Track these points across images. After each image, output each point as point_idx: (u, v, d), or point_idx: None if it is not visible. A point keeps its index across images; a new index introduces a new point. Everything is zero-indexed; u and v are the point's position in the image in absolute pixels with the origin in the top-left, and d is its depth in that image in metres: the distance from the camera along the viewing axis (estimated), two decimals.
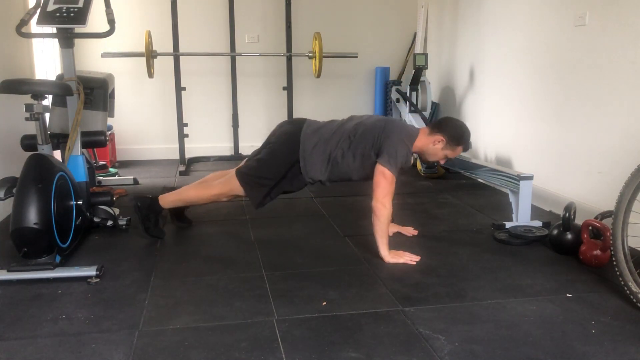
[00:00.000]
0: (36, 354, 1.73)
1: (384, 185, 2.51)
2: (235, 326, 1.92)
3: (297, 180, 2.70)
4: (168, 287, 2.27)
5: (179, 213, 3.01)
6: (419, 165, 4.47)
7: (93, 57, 4.62)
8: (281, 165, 2.67)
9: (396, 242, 2.79)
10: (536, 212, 3.31)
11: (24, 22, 2.83)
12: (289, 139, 2.69)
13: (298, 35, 4.90)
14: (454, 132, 2.62)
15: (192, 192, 2.86)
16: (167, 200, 2.85)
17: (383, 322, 1.96)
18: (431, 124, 2.71)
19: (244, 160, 2.89)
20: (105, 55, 4.27)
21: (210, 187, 2.84)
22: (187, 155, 4.79)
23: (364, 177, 2.67)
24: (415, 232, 2.96)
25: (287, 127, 2.78)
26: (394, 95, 4.77)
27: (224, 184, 2.78)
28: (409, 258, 2.55)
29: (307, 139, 2.66)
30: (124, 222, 3.00)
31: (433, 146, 2.63)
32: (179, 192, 2.88)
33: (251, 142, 5.26)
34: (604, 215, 2.61)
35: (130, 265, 2.49)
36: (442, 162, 2.73)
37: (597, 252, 2.48)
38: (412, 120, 4.46)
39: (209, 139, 5.23)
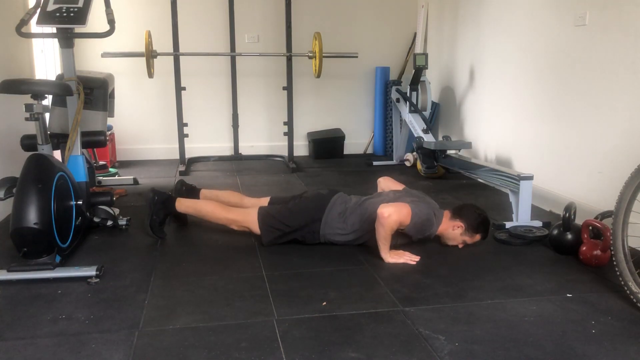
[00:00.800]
0: (36, 354, 1.73)
1: (399, 207, 2.51)
2: (235, 326, 1.92)
3: (310, 236, 2.73)
4: (168, 287, 2.26)
5: (179, 213, 3.01)
6: (418, 165, 4.47)
7: (93, 57, 4.62)
8: (303, 218, 2.71)
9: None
10: (536, 212, 3.31)
11: (24, 22, 2.83)
12: (320, 198, 2.79)
13: (298, 35, 4.90)
14: (473, 221, 2.67)
15: (209, 208, 2.87)
16: (183, 205, 2.88)
17: (383, 322, 1.96)
18: (453, 209, 2.75)
19: (269, 198, 3.00)
20: (105, 55, 4.27)
21: (228, 211, 2.84)
22: (187, 155, 4.80)
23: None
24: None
25: (322, 191, 2.89)
26: (394, 95, 4.77)
27: (243, 214, 2.80)
28: (408, 258, 2.56)
29: (335, 203, 2.75)
30: (124, 222, 3.00)
31: (452, 231, 2.68)
32: (196, 202, 2.92)
33: (251, 142, 5.28)
34: (604, 215, 2.61)
35: (130, 265, 2.49)
36: (460, 247, 2.73)
37: (597, 252, 2.48)
38: (412, 120, 4.46)
39: (209, 139, 5.24)
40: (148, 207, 2.81)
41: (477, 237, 2.71)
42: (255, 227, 2.74)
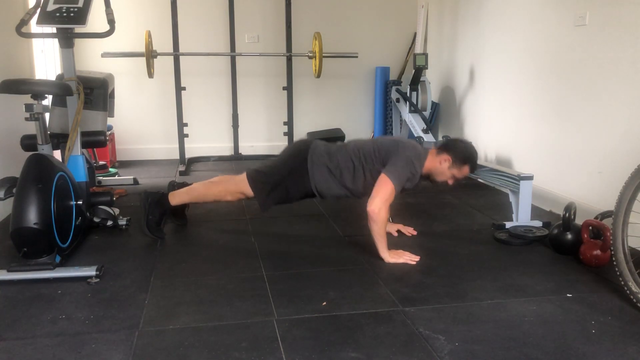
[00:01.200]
0: (36, 354, 1.73)
1: (383, 193, 2.52)
2: (235, 326, 1.92)
3: (301, 181, 2.70)
4: (168, 287, 2.26)
5: (177, 210, 3.01)
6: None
7: (93, 57, 4.62)
8: (289, 163, 2.72)
9: (396, 241, 2.80)
10: (536, 212, 3.31)
11: (24, 22, 2.83)
12: (301, 145, 2.80)
13: (298, 35, 4.90)
14: (460, 151, 2.66)
15: (200, 189, 2.89)
16: (175, 197, 2.88)
17: (383, 322, 1.96)
18: (438, 145, 2.75)
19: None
20: (105, 55, 4.27)
21: (218, 184, 2.87)
22: (187, 155, 4.80)
23: (364, 193, 2.69)
24: (414, 232, 2.96)
25: (299, 141, 2.91)
26: (394, 95, 4.77)
27: (233, 182, 2.82)
28: (408, 258, 2.56)
29: (317, 146, 2.74)
30: (124, 222, 3.00)
31: (440, 165, 2.67)
32: (187, 189, 2.92)
33: (251, 142, 5.27)
34: (604, 215, 2.61)
35: (130, 265, 2.49)
36: (450, 183, 2.72)
37: (597, 252, 2.48)
38: (412, 120, 4.46)
39: (209, 139, 5.24)
40: (142, 209, 2.81)
41: (466, 168, 2.68)
42: (247, 189, 2.74)
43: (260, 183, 2.72)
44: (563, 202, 2.83)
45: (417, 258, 2.56)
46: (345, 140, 2.88)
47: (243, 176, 2.77)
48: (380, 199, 2.51)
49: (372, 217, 2.50)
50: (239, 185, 2.77)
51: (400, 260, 2.54)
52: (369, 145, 2.71)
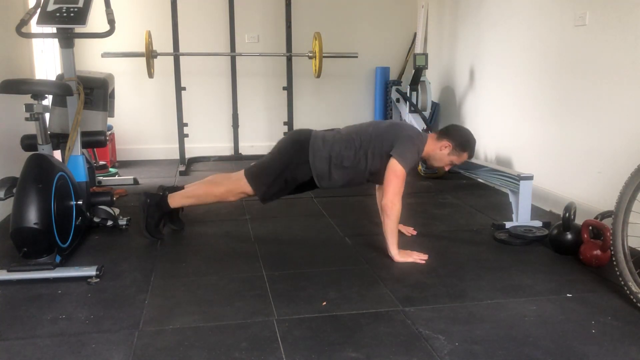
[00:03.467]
0: (36, 354, 1.73)
1: (395, 183, 2.53)
2: (235, 326, 1.92)
3: (301, 171, 2.67)
4: (168, 287, 2.26)
5: (173, 215, 2.98)
6: (419, 166, 4.47)
7: (93, 57, 4.62)
8: (289, 154, 2.69)
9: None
10: (536, 212, 3.31)
11: (24, 22, 2.83)
12: (299, 136, 2.75)
13: (298, 35, 4.90)
14: (461, 138, 2.69)
15: (201, 190, 2.85)
16: (175, 200, 2.85)
17: (383, 322, 1.96)
18: (439, 131, 2.76)
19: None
20: (105, 55, 4.27)
21: (219, 185, 2.83)
22: (187, 155, 4.80)
23: (368, 179, 2.70)
24: (414, 232, 2.96)
25: (296, 131, 2.86)
26: (394, 95, 4.77)
27: (233, 181, 2.79)
28: (417, 257, 2.56)
29: (317, 135, 2.72)
30: (124, 222, 3.00)
31: (440, 151, 2.68)
32: (186, 191, 2.88)
33: (251, 142, 5.27)
34: (604, 215, 2.61)
35: (130, 265, 2.49)
36: (446, 169, 2.77)
37: (597, 252, 2.48)
38: (412, 120, 4.46)
39: (209, 139, 5.24)
40: (142, 211, 2.78)
41: (465, 155, 2.71)
42: (248, 188, 2.72)
43: (258, 177, 2.71)
44: (563, 202, 2.83)
45: (425, 257, 2.57)
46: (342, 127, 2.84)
47: (241, 174, 2.76)
48: (393, 191, 2.52)
49: (386, 211, 2.51)
50: (238, 184, 2.75)
51: (409, 260, 2.54)
52: (367, 130, 2.69)
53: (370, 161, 2.63)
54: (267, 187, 2.70)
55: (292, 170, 2.68)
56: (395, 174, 2.53)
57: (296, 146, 2.70)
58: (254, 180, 2.72)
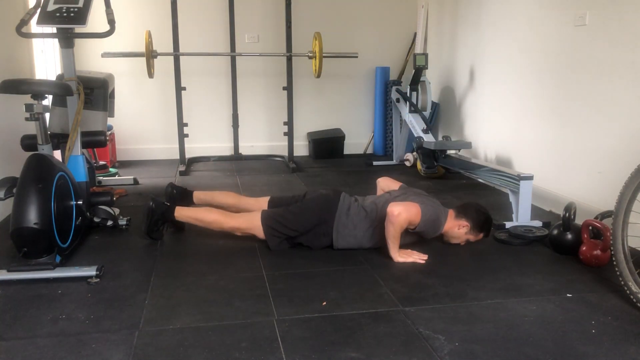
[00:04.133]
0: (36, 354, 1.73)
1: (408, 206, 2.52)
2: (235, 326, 1.92)
3: (316, 241, 2.69)
4: (168, 287, 2.26)
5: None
6: (418, 165, 4.47)
7: (93, 57, 4.62)
8: (309, 222, 2.67)
9: None
10: (536, 212, 3.31)
11: (24, 22, 2.83)
12: (325, 200, 2.73)
13: (298, 35, 4.90)
14: (479, 220, 2.72)
15: (211, 218, 2.79)
16: (182, 215, 2.81)
17: (383, 322, 1.96)
18: (456, 208, 2.77)
19: (268, 198, 2.96)
20: (105, 55, 4.27)
21: (230, 218, 2.78)
22: (187, 155, 4.80)
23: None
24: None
25: (324, 191, 2.83)
26: (394, 95, 4.77)
27: (247, 221, 2.74)
28: (417, 257, 2.56)
29: (343, 206, 2.69)
30: (124, 222, 3.00)
31: (458, 230, 2.72)
32: (196, 212, 2.83)
33: (251, 142, 5.28)
34: (604, 215, 2.61)
35: (130, 265, 2.49)
36: (462, 244, 2.77)
37: (597, 252, 2.48)
38: (412, 120, 4.46)
39: (209, 139, 5.24)
40: (146, 216, 2.75)
41: (481, 235, 2.76)
42: (260, 233, 2.69)
43: (274, 231, 2.67)
44: (563, 202, 2.83)
45: (425, 257, 2.57)
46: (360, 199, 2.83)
47: (258, 221, 2.69)
48: (404, 207, 2.51)
49: (391, 218, 2.49)
50: (252, 225, 2.71)
51: (410, 260, 2.54)
52: (385, 195, 2.77)
53: (381, 214, 2.62)
54: (279, 241, 2.69)
55: (311, 239, 2.69)
56: (417, 208, 2.53)
57: (325, 206, 2.69)
58: (269, 232, 2.67)
